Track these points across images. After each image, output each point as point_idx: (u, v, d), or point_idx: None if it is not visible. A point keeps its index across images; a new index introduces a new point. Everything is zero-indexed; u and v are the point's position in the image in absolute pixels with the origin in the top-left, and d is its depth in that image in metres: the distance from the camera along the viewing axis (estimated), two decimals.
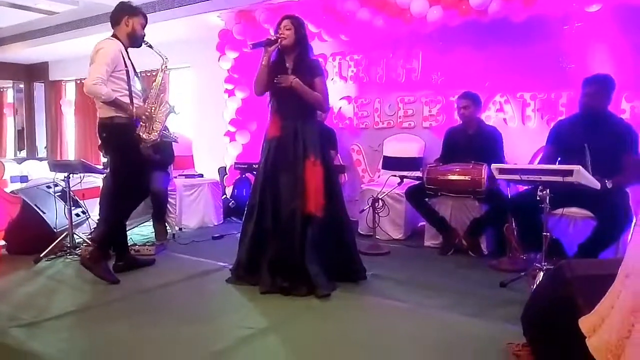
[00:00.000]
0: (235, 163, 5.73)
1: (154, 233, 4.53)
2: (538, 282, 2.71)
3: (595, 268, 1.81)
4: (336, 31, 5.05)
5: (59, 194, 4.20)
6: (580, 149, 3.14)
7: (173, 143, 4.57)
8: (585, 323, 1.50)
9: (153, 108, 3.27)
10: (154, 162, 4.38)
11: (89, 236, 4.00)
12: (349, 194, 4.91)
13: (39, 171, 7.51)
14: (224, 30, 5.74)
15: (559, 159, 3.44)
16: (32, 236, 3.89)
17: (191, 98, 7.12)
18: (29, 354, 2.22)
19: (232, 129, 5.94)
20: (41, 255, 3.70)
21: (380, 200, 4.07)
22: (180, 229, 4.80)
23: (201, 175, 5.42)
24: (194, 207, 4.99)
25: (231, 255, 3.35)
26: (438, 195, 4.00)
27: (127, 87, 3.19)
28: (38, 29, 7.27)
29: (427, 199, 4.05)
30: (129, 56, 3.28)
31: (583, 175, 2.61)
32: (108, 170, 3.69)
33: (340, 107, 5.54)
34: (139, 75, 3.46)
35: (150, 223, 4.60)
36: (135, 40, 3.29)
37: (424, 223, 4.31)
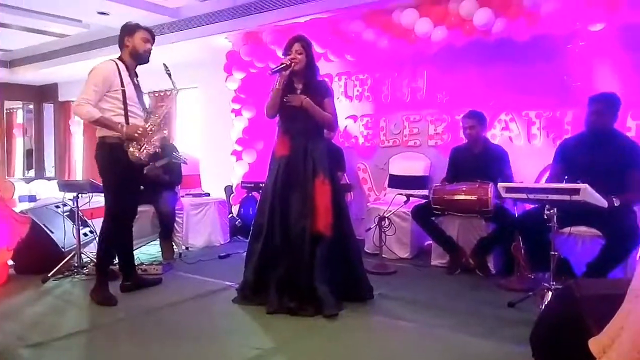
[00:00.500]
0: (242, 182, 5.76)
1: (160, 252, 4.54)
2: (546, 301, 2.70)
3: (605, 288, 1.80)
4: (342, 51, 5.12)
5: (67, 213, 4.23)
6: (587, 168, 3.14)
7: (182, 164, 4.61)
8: (595, 344, 1.49)
9: (151, 130, 3.17)
10: (162, 182, 4.43)
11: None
12: (355, 213, 4.90)
13: (47, 191, 7.58)
14: (232, 51, 5.83)
15: (566, 177, 3.43)
16: (40, 256, 3.89)
17: (199, 118, 7.21)
18: None
19: (239, 148, 6.00)
20: (49, 275, 3.70)
21: (386, 219, 4.06)
22: (186, 248, 4.80)
23: (208, 194, 5.44)
24: (200, 226, 5.00)
25: (237, 274, 3.35)
26: (445, 214, 3.99)
27: (122, 106, 3.14)
28: (49, 51, 7.43)
29: (433, 218, 4.05)
30: (136, 75, 3.28)
31: (590, 194, 2.60)
32: None
33: (346, 126, 5.58)
34: (142, 92, 3.35)
35: (157, 242, 4.61)
36: (138, 56, 3.25)
37: (431, 242, 4.30)
